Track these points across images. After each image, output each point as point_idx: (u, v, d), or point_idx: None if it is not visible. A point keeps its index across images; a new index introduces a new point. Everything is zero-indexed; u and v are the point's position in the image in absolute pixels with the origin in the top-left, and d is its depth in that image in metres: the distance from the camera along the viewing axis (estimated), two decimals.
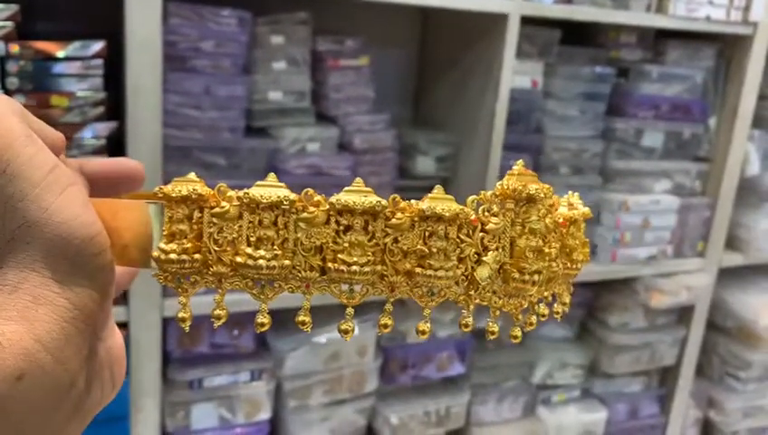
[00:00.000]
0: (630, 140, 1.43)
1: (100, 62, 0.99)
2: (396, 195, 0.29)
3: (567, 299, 0.35)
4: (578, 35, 1.38)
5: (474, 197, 0.30)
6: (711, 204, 1.51)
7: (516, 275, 0.31)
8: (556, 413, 1.54)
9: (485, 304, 0.31)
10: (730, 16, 1.35)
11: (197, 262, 0.29)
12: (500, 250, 0.30)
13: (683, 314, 1.60)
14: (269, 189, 0.28)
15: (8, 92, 0.95)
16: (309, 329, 0.30)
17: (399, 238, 0.29)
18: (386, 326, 0.30)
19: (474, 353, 1.43)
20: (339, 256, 0.28)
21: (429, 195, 0.29)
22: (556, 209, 0.33)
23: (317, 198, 0.29)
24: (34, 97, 0.97)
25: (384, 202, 0.29)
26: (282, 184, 0.29)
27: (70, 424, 0.28)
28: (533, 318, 0.33)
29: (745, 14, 1.37)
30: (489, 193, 0.31)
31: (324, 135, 1.18)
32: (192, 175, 0.29)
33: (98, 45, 0.99)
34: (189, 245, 0.28)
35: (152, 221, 0.30)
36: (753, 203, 1.60)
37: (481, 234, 0.30)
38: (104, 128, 1.00)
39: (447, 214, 0.29)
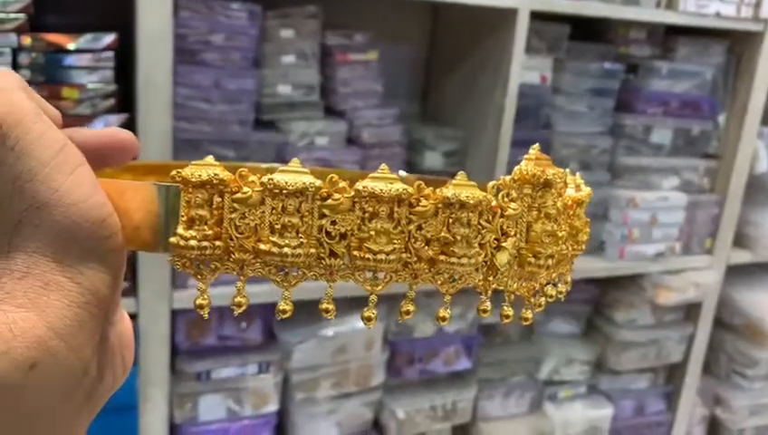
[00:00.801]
0: (639, 136, 1.43)
1: (110, 54, 0.99)
2: (420, 181, 0.29)
3: (569, 278, 0.36)
4: (587, 31, 1.38)
5: (494, 182, 0.30)
6: (719, 201, 1.50)
7: (532, 260, 0.31)
8: (562, 409, 1.54)
9: (501, 288, 0.31)
10: (740, 13, 1.35)
11: (219, 249, 0.28)
12: (518, 235, 0.30)
13: (690, 311, 1.60)
14: (294, 175, 0.28)
15: None
16: (333, 316, 0.29)
17: (423, 225, 0.29)
18: (408, 313, 0.30)
19: (480, 349, 1.43)
20: (365, 244, 0.28)
21: (453, 181, 0.29)
22: (565, 192, 0.33)
23: (341, 184, 0.28)
24: (46, 89, 0.97)
25: (410, 189, 0.28)
26: (306, 170, 0.28)
27: (82, 411, 0.27)
28: (542, 300, 0.33)
29: (756, 10, 1.36)
30: (508, 178, 0.30)
31: (332, 129, 1.19)
32: (210, 158, 0.28)
33: (109, 38, 0.99)
34: (211, 232, 0.28)
35: (161, 202, 0.29)
36: (762, 200, 1.59)
37: (501, 220, 0.30)
38: (115, 120, 1.01)
39: (472, 201, 0.28)
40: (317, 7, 1.16)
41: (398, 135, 1.25)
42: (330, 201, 0.28)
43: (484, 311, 0.31)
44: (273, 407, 1.25)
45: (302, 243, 0.28)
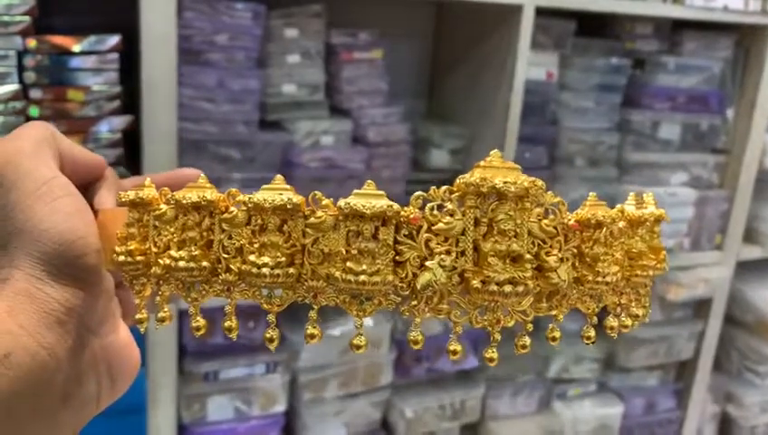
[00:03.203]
0: (647, 131, 1.42)
1: (115, 56, 0.99)
2: (318, 192, 0.27)
3: (640, 311, 0.31)
4: (593, 27, 1.37)
5: (420, 193, 0.27)
6: (729, 196, 1.49)
7: (477, 285, 0.27)
8: (572, 407, 1.53)
9: (442, 317, 0.28)
10: (748, 6, 1.33)
11: (141, 263, 0.29)
12: (454, 254, 0.26)
13: (700, 307, 1.59)
14: (196, 191, 0.28)
15: (25, 87, 0.96)
16: (234, 335, 0.29)
17: (321, 239, 0.27)
18: (312, 337, 0.29)
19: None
20: (249, 257, 0.27)
21: (355, 190, 0.27)
22: (564, 210, 0.28)
23: (240, 197, 0.28)
24: (51, 91, 0.97)
25: (297, 199, 0.27)
26: (209, 186, 0.29)
27: (62, 411, 0.30)
28: (526, 340, 0.29)
29: (764, 3, 1.35)
30: (443, 188, 0.27)
31: (338, 128, 1.18)
32: (147, 180, 0.30)
33: (113, 39, 0.99)
34: (133, 247, 0.29)
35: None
36: None
37: (426, 235, 0.27)
38: (120, 122, 1.01)
39: (369, 211, 0.26)
40: (321, 6, 1.16)
41: (404, 133, 1.25)
42: (225, 215, 0.28)
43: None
44: (281, 407, 1.25)
45: (194, 256, 0.28)
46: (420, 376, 1.37)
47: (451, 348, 0.28)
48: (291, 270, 0.27)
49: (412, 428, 1.36)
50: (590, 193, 0.29)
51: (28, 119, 0.97)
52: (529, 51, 1.18)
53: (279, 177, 0.28)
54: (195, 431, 1.19)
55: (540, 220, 0.27)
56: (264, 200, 0.27)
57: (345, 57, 1.19)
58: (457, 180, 0.27)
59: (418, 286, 0.27)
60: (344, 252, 0.26)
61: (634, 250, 0.30)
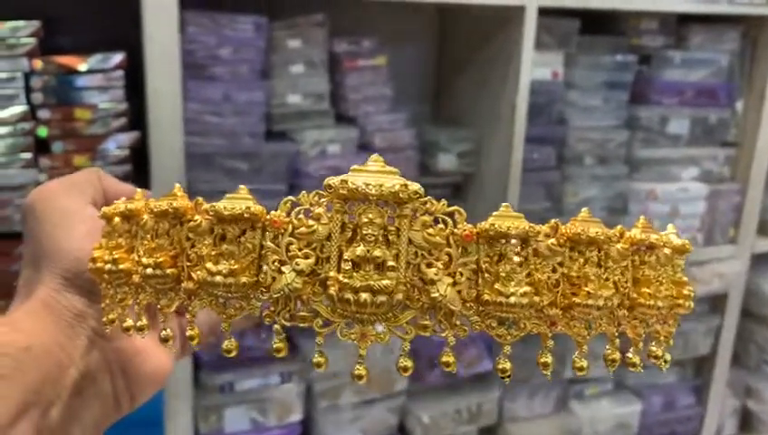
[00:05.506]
0: (655, 127, 1.41)
1: (120, 73, 1.00)
2: (199, 198, 0.28)
3: (616, 356, 0.27)
4: (598, 24, 1.36)
5: (289, 197, 0.27)
6: (741, 189, 1.48)
7: (333, 292, 0.26)
8: (589, 407, 1.52)
9: (305, 325, 0.27)
10: None
11: (116, 271, 0.31)
12: (314, 259, 0.26)
13: (716, 302, 1.57)
14: (125, 202, 0.31)
15: (33, 107, 0.97)
16: (147, 333, 0.30)
17: (196, 243, 0.28)
18: (192, 338, 0.29)
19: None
20: (142, 259, 0.28)
21: (228, 195, 0.27)
22: (460, 220, 0.26)
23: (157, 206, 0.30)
24: (59, 111, 0.98)
25: (178, 204, 0.28)
26: (138, 197, 0.31)
27: (78, 402, 0.35)
28: (406, 361, 0.27)
29: None
30: (312, 193, 0.27)
31: (344, 136, 1.19)
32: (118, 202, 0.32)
33: (118, 57, 1.00)
34: (96, 255, 0.31)
35: None
36: None
37: (288, 239, 0.26)
38: (127, 138, 1.02)
39: (228, 214, 0.26)
40: (323, 15, 1.16)
41: (410, 138, 1.25)
42: (141, 222, 0.29)
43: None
44: (297, 416, 1.25)
45: (115, 259, 0.30)
46: (436, 381, 1.37)
47: (315, 360, 0.28)
48: (169, 271, 0.28)
49: (429, 433, 1.35)
50: (504, 204, 0.26)
51: (37, 139, 0.98)
52: (533, 51, 1.18)
53: (178, 184, 0.29)
54: None
55: (424, 229, 0.25)
56: (156, 206, 0.28)
57: (349, 65, 1.19)
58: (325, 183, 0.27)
59: (272, 291, 0.26)
60: (210, 254, 0.27)
61: (573, 274, 0.26)
